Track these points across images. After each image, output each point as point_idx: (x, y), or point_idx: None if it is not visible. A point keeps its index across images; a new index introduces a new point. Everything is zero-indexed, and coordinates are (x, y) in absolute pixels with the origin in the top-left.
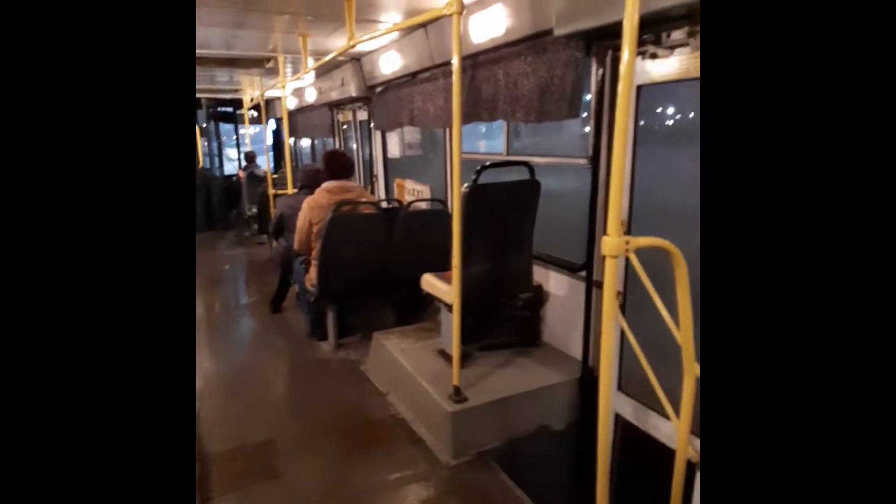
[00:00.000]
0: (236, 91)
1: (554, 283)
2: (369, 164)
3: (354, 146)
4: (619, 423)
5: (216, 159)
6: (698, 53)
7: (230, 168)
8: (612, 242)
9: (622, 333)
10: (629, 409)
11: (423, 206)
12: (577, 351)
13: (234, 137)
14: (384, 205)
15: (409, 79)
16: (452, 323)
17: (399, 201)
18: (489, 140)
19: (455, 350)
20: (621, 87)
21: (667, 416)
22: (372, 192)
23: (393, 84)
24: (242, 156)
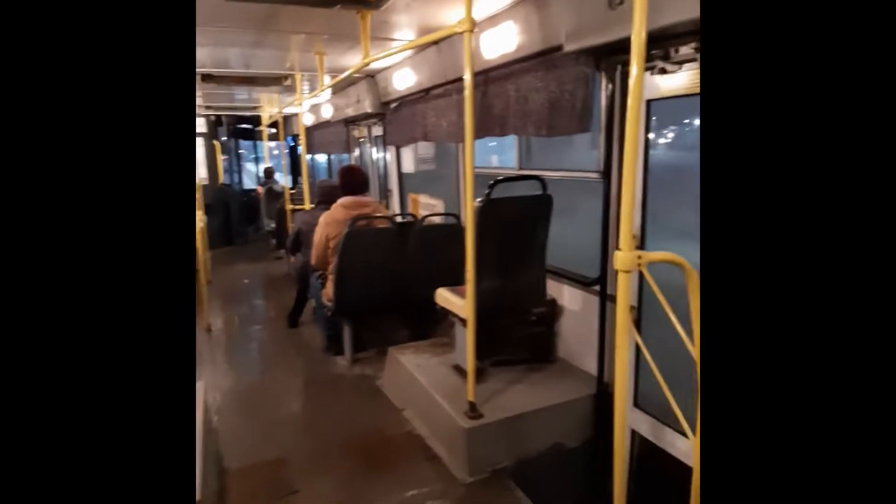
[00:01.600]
0: (255, 108)
1: (568, 297)
2: (384, 179)
3: (369, 161)
4: (636, 439)
5: (235, 175)
6: None
7: (249, 183)
8: (624, 257)
9: (637, 348)
10: (645, 426)
11: (437, 220)
12: (591, 366)
13: (253, 153)
14: (399, 219)
15: (422, 95)
16: (467, 338)
17: (413, 216)
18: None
19: (470, 365)
20: (630, 101)
21: (683, 433)
22: (386, 206)
23: (407, 100)
24: (261, 171)
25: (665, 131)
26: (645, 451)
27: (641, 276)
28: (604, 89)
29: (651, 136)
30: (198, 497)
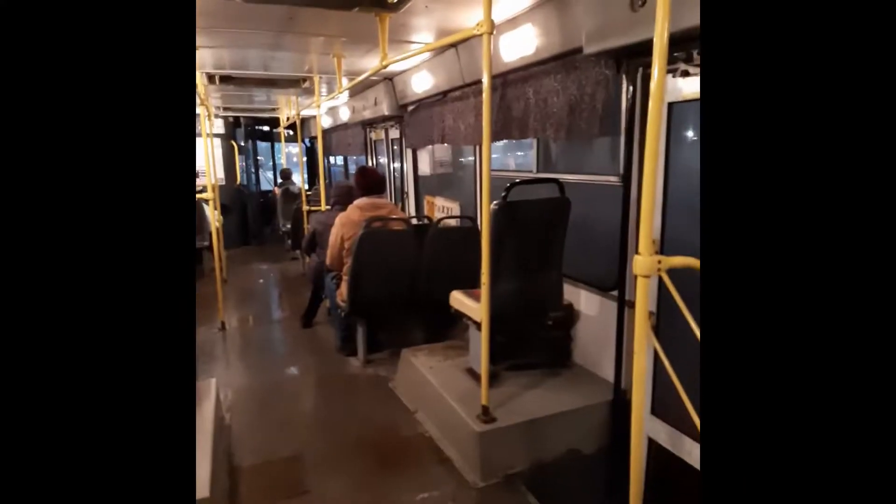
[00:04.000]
0: (273, 110)
1: (585, 302)
2: (401, 182)
3: (386, 163)
4: (653, 447)
5: (252, 176)
6: None
7: (267, 185)
8: (644, 262)
9: (655, 355)
10: (663, 434)
11: (452, 223)
12: (608, 373)
13: (271, 156)
14: (414, 221)
15: (440, 97)
16: (481, 341)
17: (429, 218)
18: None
19: (484, 369)
20: (652, 104)
21: None
22: (402, 208)
23: (424, 103)
24: (278, 173)
25: (686, 135)
26: (662, 460)
27: (661, 281)
28: (624, 92)
29: (672, 140)
30: (208, 494)
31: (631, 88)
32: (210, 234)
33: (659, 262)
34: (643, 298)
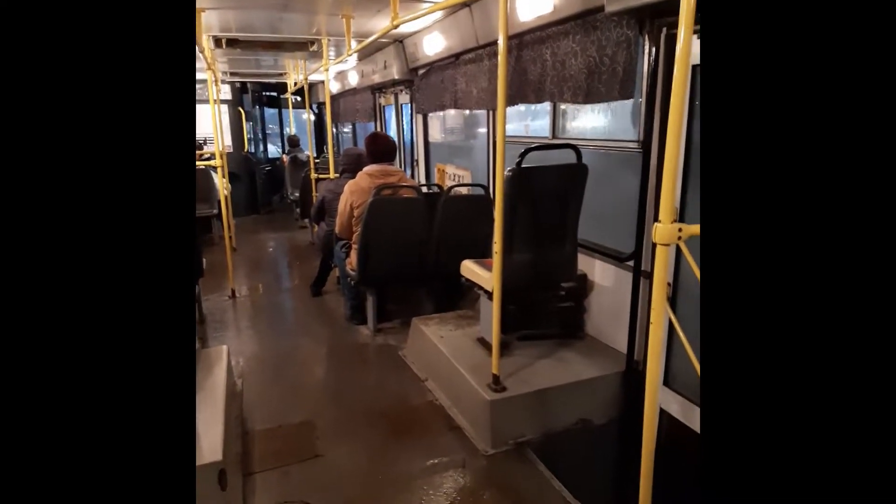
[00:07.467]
0: (281, 75)
1: (599, 272)
2: (411, 149)
3: (395, 129)
4: (664, 419)
5: (260, 143)
6: None
7: (274, 152)
8: (664, 230)
9: (669, 326)
10: (675, 406)
11: (463, 191)
12: (621, 344)
13: (279, 122)
14: (425, 189)
15: (452, 60)
16: (492, 311)
17: (440, 186)
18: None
19: (495, 338)
20: (677, 67)
21: None
22: (412, 176)
23: (436, 66)
24: (286, 140)
25: None
26: (673, 431)
27: (678, 252)
28: (646, 54)
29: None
30: (220, 457)
31: (654, 50)
32: (219, 202)
33: (679, 230)
34: (662, 268)
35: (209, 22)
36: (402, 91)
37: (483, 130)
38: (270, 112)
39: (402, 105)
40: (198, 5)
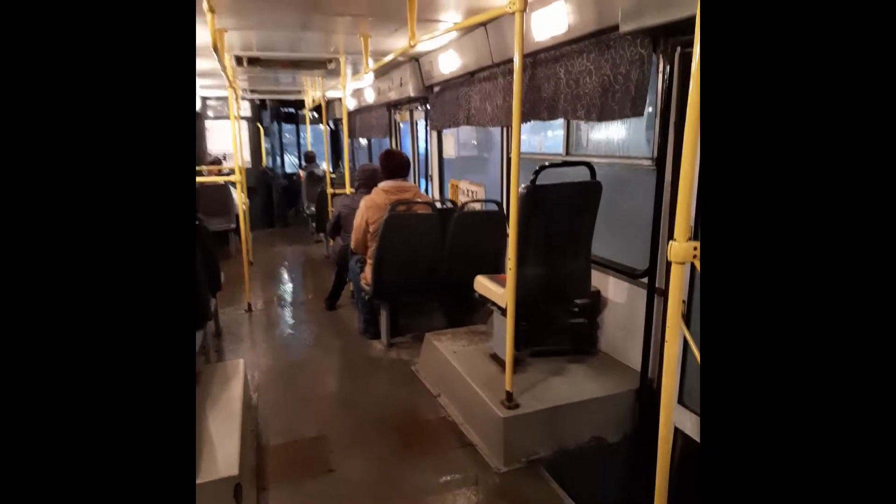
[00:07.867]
0: (298, 92)
1: (613, 289)
2: (425, 165)
3: (410, 146)
4: (678, 437)
5: (278, 158)
6: None
7: (291, 167)
8: (679, 248)
9: (684, 344)
10: (689, 424)
11: (477, 206)
12: (635, 361)
13: (296, 138)
14: (439, 205)
15: (467, 78)
16: (506, 327)
17: (454, 202)
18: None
19: (508, 355)
20: (692, 85)
21: None
22: (426, 192)
23: (451, 83)
24: (302, 155)
25: None
26: (687, 450)
27: (693, 269)
28: (660, 72)
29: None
30: (237, 472)
31: (668, 68)
32: (237, 216)
33: (695, 248)
34: (677, 286)
35: (231, 41)
36: (417, 108)
37: (496, 147)
38: (288, 127)
39: (416, 121)
40: (221, 26)
